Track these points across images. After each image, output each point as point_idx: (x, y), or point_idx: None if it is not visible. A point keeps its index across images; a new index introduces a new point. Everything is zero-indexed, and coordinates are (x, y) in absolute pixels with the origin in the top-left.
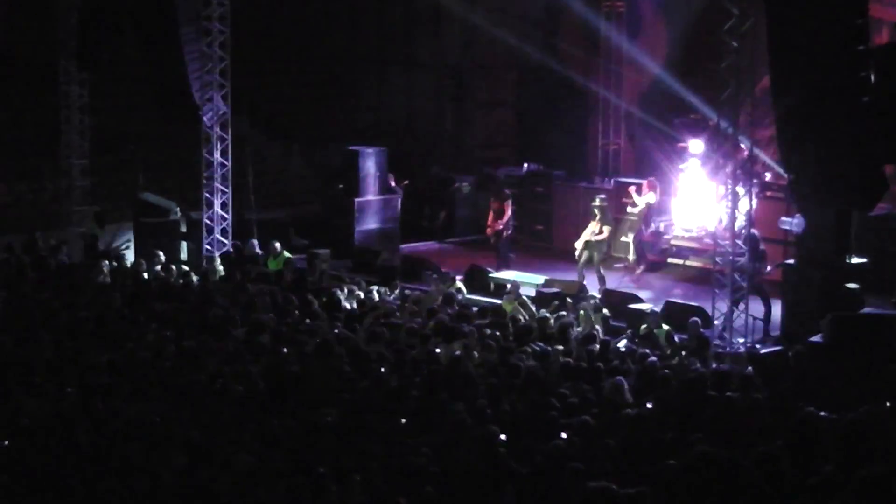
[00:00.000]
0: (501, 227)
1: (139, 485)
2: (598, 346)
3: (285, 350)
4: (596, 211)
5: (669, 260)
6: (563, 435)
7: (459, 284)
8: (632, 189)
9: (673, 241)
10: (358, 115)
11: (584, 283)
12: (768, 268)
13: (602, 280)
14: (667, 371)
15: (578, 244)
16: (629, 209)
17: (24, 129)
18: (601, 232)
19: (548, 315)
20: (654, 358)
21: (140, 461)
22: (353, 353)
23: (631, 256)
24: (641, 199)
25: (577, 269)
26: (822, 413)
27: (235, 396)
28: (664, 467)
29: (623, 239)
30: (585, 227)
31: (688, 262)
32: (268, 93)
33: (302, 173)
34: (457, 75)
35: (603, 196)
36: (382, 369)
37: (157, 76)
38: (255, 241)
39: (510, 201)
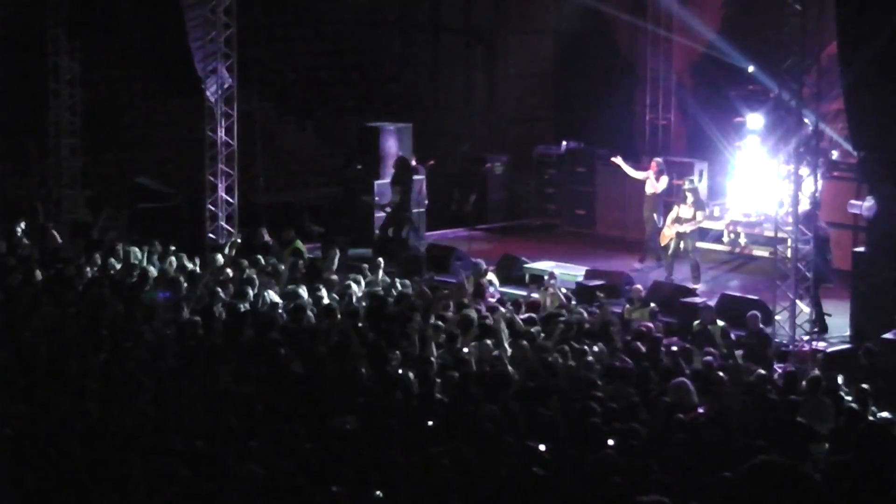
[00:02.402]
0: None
1: (137, 499)
2: (645, 345)
3: (298, 350)
4: (687, 194)
5: (756, 252)
6: (611, 442)
7: (491, 276)
8: (618, 160)
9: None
10: (378, 86)
11: (673, 276)
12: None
13: (697, 268)
14: (723, 373)
15: (667, 233)
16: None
17: (8, 104)
18: (694, 217)
19: (582, 311)
20: (709, 357)
21: (138, 473)
22: (374, 353)
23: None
24: (638, 175)
25: (665, 262)
26: None
27: (243, 401)
28: (721, 479)
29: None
30: (632, 210)
31: (749, 251)
32: (278, 63)
33: (317, 152)
34: (488, 42)
35: (692, 177)
36: (401, 371)
37: (155, 45)
38: (265, 230)
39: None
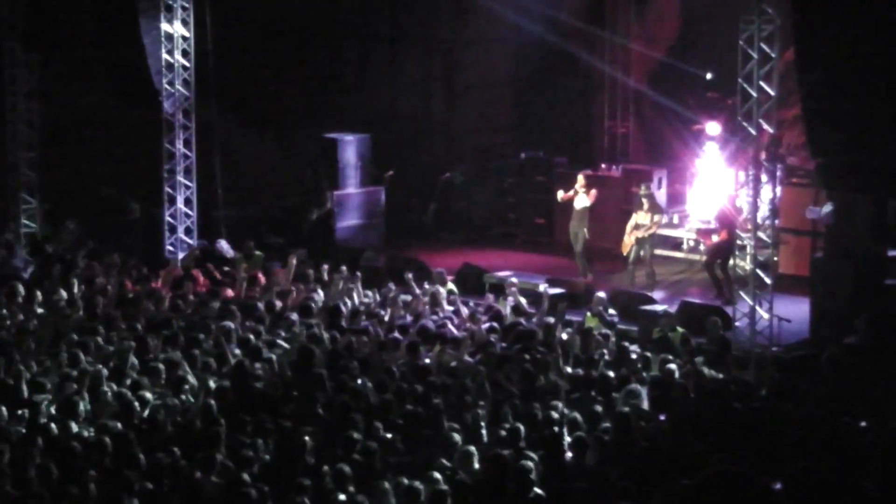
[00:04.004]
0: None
1: None
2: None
3: (255, 361)
4: (643, 200)
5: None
6: (569, 453)
7: (451, 285)
8: (560, 193)
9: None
10: (338, 97)
11: (633, 283)
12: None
13: (652, 276)
14: (684, 379)
15: (627, 241)
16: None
17: None
18: (652, 222)
19: (541, 319)
20: (671, 364)
21: (98, 488)
22: (333, 363)
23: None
24: (579, 199)
25: (627, 269)
26: (860, 423)
27: (204, 413)
28: (678, 487)
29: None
30: (591, 220)
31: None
32: (237, 74)
33: (276, 164)
34: (447, 51)
35: (649, 183)
36: (360, 381)
37: (112, 58)
38: (223, 241)
39: None
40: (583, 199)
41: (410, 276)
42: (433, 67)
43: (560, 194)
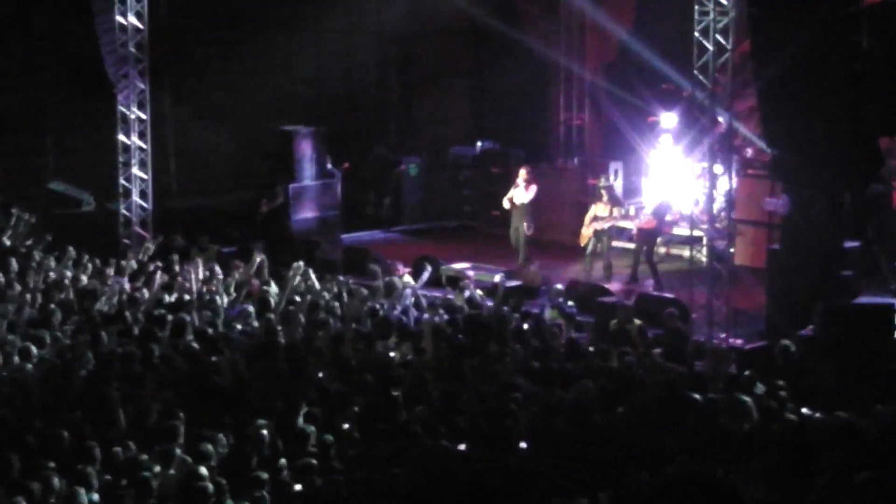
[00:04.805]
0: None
1: None
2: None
3: (213, 353)
4: (602, 192)
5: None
6: (523, 445)
7: (408, 277)
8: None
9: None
10: (293, 90)
11: (591, 275)
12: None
13: (609, 268)
14: (641, 371)
15: (585, 232)
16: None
17: None
18: (610, 214)
19: (505, 311)
20: (631, 357)
21: (53, 482)
22: (291, 355)
23: (521, 254)
24: (518, 193)
25: (584, 261)
26: (816, 414)
27: (161, 405)
28: (640, 482)
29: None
30: (548, 211)
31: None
32: (192, 66)
33: (232, 156)
34: (403, 43)
35: (607, 175)
36: (321, 374)
37: (66, 50)
38: (177, 235)
39: None
40: (522, 194)
41: (371, 267)
42: (389, 59)
43: (505, 201)
